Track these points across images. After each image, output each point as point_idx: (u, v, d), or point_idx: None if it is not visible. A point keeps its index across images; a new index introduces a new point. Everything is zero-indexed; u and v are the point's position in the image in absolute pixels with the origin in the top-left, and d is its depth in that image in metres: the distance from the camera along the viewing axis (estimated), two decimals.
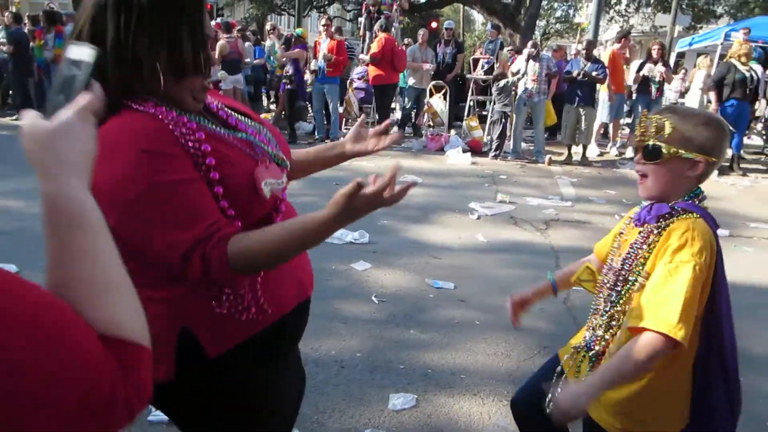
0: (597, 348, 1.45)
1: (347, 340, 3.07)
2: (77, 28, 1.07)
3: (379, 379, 2.75)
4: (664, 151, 1.34)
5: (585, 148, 8.32)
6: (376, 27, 8.84)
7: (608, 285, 1.46)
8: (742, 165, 8.34)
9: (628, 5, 23.12)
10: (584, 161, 8.25)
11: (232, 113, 1.26)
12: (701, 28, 21.21)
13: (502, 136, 8.21)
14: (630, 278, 1.39)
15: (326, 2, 24.05)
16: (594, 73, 7.66)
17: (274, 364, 1.31)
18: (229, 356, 1.18)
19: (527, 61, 7.79)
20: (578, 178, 7.37)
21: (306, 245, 1.12)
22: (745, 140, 8.82)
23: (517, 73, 7.92)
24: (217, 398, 1.23)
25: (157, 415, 2.38)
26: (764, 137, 10.21)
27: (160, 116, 1.07)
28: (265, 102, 11.88)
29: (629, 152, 8.99)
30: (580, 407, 1.30)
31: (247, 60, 9.85)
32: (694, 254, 1.28)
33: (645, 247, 1.37)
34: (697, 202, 1.38)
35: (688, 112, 1.42)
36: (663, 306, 1.25)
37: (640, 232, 1.41)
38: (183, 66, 1.08)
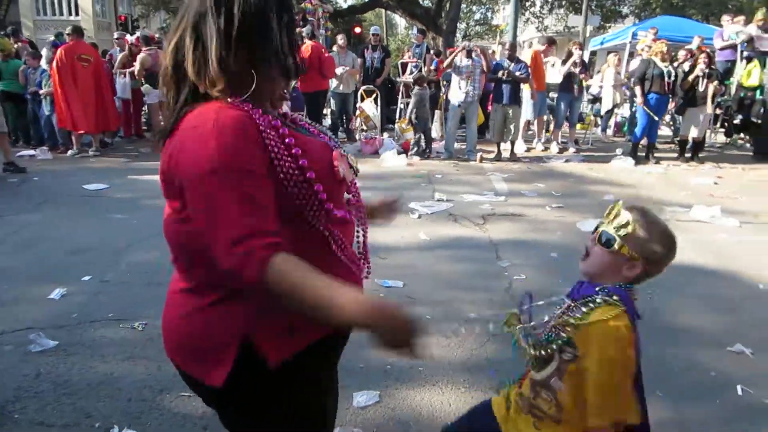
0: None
1: None
2: (176, 33, 1.18)
3: (340, 379, 2.78)
4: (615, 245, 1.44)
5: (513, 144, 8.69)
6: (303, 34, 8.88)
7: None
8: (655, 154, 8.96)
9: (542, 7, 24.20)
10: (513, 157, 8.62)
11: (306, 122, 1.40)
12: (610, 27, 22.55)
13: (425, 137, 8.46)
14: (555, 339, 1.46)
15: None
16: (518, 73, 8.05)
17: (327, 374, 1.40)
18: (286, 365, 1.22)
19: (464, 58, 8.07)
20: (509, 174, 7.70)
21: (313, 311, 1.07)
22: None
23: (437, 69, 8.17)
24: (271, 404, 1.27)
25: None
26: (672, 128, 10.98)
27: (248, 111, 1.14)
28: None
29: (554, 147, 9.47)
30: None
31: None
32: (623, 350, 1.37)
33: (570, 316, 1.44)
34: (627, 289, 1.45)
35: (654, 221, 1.47)
36: (611, 405, 1.36)
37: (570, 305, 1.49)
38: (275, 70, 1.19)
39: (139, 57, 8.68)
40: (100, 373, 2.82)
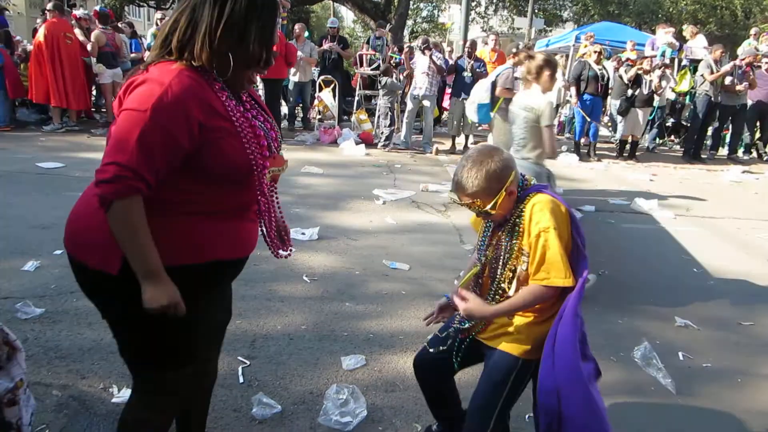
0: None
1: (290, 316, 3.26)
2: (177, 13, 1.44)
3: (328, 345, 2.98)
4: (488, 210, 1.71)
5: (467, 138, 9.03)
6: None
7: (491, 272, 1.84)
8: (597, 152, 9.53)
9: (487, 8, 24.90)
10: (466, 151, 8.93)
11: (257, 108, 1.64)
12: (551, 31, 23.51)
13: (390, 128, 8.68)
14: (508, 264, 1.77)
15: None
16: (478, 71, 8.39)
17: (206, 296, 1.62)
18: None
19: (422, 53, 8.32)
20: None
21: (127, 251, 1.41)
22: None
23: (398, 65, 8.42)
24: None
25: (122, 396, 2.43)
26: (610, 128, 11.67)
27: (206, 78, 1.43)
28: None
29: None
30: (483, 316, 1.76)
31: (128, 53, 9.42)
32: (548, 220, 1.66)
33: (513, 239, 1.74)
34: (522, 188, 1.75)
35: (470, 179, 1.69)
36: (552, 267, 1.65)
37: (502, 233, 1.79)
38: (251, 60, 1.47)
39: (95, 34, 8.41)
40: (90, 339, 2.86)
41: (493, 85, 6.35)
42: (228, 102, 1.46)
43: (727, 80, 9.03)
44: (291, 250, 1.74)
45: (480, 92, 6.49)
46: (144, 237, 1.39)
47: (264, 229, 1.64)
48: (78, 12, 9.24)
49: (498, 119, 6.47)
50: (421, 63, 8.35)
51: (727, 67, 8.99)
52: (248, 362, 2.73)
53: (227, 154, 1.44)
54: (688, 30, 11.19)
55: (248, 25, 1.42)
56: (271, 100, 8.84)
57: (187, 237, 1.49)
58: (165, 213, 1.45)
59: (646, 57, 9.20)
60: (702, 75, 9.26)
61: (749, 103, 9.43)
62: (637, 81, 8.89)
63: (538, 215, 1.68)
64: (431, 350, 2.01)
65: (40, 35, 8.03)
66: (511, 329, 1.82)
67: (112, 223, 1.38)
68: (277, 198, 1.70)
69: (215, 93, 1.44)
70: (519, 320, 1.81)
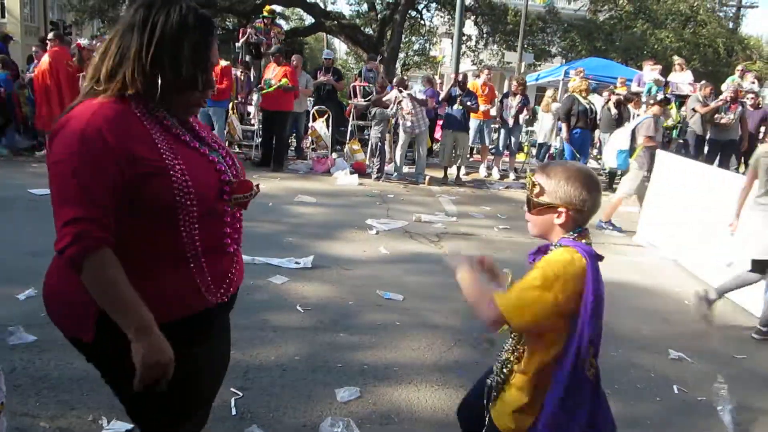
0: (508, 367, 1.70)
1: (283, 347, 3.22)
2: (108, 42, 1.39)
3: (321, 377, 2.94)
4: (531, 199, 1.65)
5: (459, 169, 9.11)
6: (272, 51, 9.05)
7: None
8: None
9: (477, 42, 25.36)
10: (458, 181, 9.03)
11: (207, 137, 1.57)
12: (540, 65, 23.95)
13: (382, 159, 8.76)
14: None
15: None
16: (468, 104, 8.53)
17: (201, 351, 1.52)
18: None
19: (400, 92, 8.47)
20: (456, 197, 8.07)
21: (110, 309, 1.31)
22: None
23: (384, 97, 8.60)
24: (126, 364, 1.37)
25: (112, 428, 2.38)
26: (599, 161, 11.83)
27: (130, 105, 1.36)
28: None
29: (495, 174, 9.99)
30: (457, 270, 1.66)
31: None
32: (544, 280, 1.50)
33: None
34: (574, 237, 1.58)
35: (556, 170, 1.60)
36: (513, 300, 1.52)
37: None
38: (186, 83, 1.40)
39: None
40: (80, 369, 2.80)
41: (633, 132, 6.72)
42: (155, 130, 1.38)
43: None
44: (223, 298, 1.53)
45: (620, 139, 6.91)
46: (127, 290, 1.29)
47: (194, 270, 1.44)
48: (83, 41, 9.35)
49: (635, 165, 6.72)
50: (405, 101, 8.47)
51: (718, 102, 9.20)
52: (241, 394, 2.69)
53: (160, 186, 1.34)
54: (678, 62, 11.46)
55: (180, 46, 1.36)
56: (279, 131, 8.85)
57: (165, 287, 1.40)
58: (139, 264, 1.36)
59: (635, 93, 9.41)
60: (693, 109, 9.44)
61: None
62: (620, 114, 9.08)
63: (538, 269, 1.54)
64: (471, 396, 1.94)
65: (45, 64, 8.08)
66: (509, 392, 1.69)
67: (90, 284, 1.29)
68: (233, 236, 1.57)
69: (142, 121, 1.36)
70: (512, 386, 1.68)
